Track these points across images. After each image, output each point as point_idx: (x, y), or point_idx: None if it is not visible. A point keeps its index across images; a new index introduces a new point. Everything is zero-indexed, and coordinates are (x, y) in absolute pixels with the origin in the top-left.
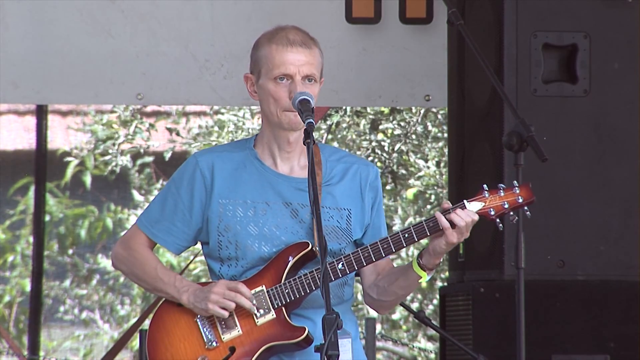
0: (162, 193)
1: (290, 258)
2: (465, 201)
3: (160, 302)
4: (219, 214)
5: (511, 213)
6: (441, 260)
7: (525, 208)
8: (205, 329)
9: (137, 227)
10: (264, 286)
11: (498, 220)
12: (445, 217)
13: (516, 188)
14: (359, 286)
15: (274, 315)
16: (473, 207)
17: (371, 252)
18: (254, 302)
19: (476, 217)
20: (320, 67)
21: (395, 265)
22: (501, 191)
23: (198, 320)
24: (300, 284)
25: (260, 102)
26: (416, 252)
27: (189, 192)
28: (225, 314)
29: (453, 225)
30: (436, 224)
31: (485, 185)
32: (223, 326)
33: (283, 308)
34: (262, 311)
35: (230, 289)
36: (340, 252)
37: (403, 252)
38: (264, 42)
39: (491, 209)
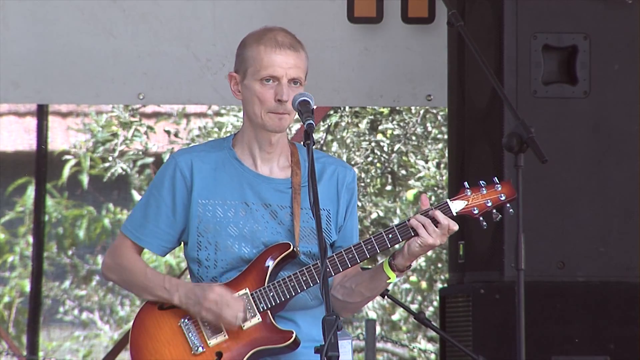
0: (144, 197)
1: (272, 259)
2: (448, 200)
3: (142, 306)
4: (198, 214)
5: (494, 211)
6: (412, 264)
7: (508, 205)
8: (190, 333)
9: (122, 233)
10: (247, 289)
11: (482, 218)
12: (418, 221)
13: (498, 185)
14: None
15: (260, 319)
16: (456, 206)
17: (355, 254)
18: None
19: (455, 227)
20: (306, 71)
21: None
22: (483, 189)
23: (182, 324)
24: (285, 287)
25: (244, 102)
26: None
27: (170, 193)
28: (220, 323)
29: (436, 222)
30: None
31: (466, 183)
32: (208, 331)
33: (268, 311)
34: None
35: (223, 297)
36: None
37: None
38: (251, 42)
39: (474, 208)
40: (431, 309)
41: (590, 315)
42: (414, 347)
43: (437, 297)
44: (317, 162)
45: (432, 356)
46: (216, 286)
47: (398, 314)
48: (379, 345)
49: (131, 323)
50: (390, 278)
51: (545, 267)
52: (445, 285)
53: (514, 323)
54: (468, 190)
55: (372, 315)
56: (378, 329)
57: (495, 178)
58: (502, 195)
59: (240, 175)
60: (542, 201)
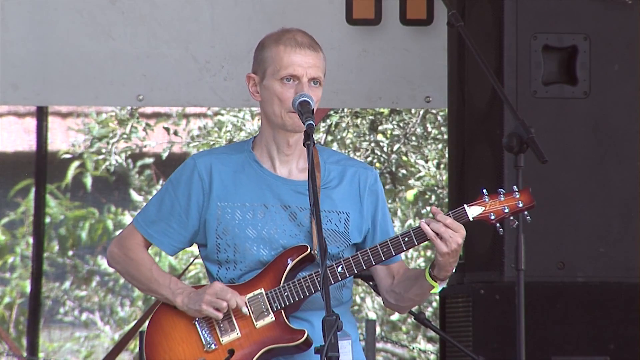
0: (159, 193)
1: (289, 261)
2: (465, 205)
3: (158, 305)
4: (218, 216)
5: (511, 217)
6: (452, 272)
7: (526, 213)
8: (203, 331)
9: (134, 226)
10: (262, 289)
11: (498, 224)
12: (430, 227)
13: (516, 193)
14: (359, 288)
15: (273, 318)
16: (473, 211)
17: (371, 256)
18: (247, 304)
19: (455, 225)
20: (325, 71)
21: (410, 267)
22: (501, 196)
23: (196, 323)
24: (299, 287)
25: (263, 103)
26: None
27: (186, 194)
28: (219, 315)
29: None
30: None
31: (484, 190)
32: (222, 329)
33: (282, 311)
34: (259, 313)
35: (223, 290)
36: (338, 256)
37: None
38: (270, 43)
39: (491, 214)
40: (430, 309)
41: (590, 316)
42: (413, 348)
43: (437, 298)
44: (338, 165)
45: (432, 356)
46: (217, 282)
47: (398, 315)
48: (379, 345)
49: (131, 324)
50: (433, 288)
51: (545, 267)
52: (445, 285)
53: (514, 323)
54: (486, 196)
55: (372, 315)
56: (378, 329)
57: (515, 186)
58: (520, 202)
59: (259, 178)
60: (542, 201)
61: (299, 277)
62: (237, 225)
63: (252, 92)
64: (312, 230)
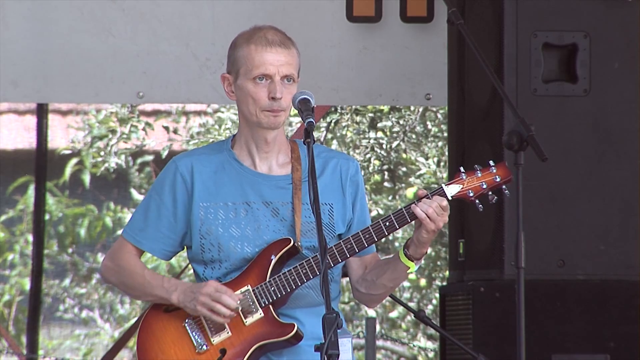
0: (144, 201)
1: (273, 256)
2: (443, 185)
3: (147, 310)
4: (200, 217)
5: (490, 193)
6: (427, 250)
7: (504, 187)
8: (194, 332)
9: (123, 238)
10: (249, 285)
11: (478, 201)
12: (418, 208)
13: (493, 167)
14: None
15: (262, 314)
16: (451, 190)
17: (354, 243)
18: (239, 304)
19: (444, 203)
20: (298, 67)
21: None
22: (478, 172)
23: (186, 324)
24: (285, 281)
25: (238, 102)
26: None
27: (171, 197)
28: (217, 318)
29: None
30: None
31: (461, 168)
32: (212, 329)
33: (270, 306)
34: (247, 310)
35: (217, 290)
36: None
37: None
38: (241, 42)
39: (470, 191)
40: (430, 307)
41: (590, 314)
42: (413, 345)
43: (436, 295)
44: (319, 157)
45: (432, 354)
46: (212, 281)
47: (397, 312)
48: (379, 343)
49: (131, 321)
50: (409, 268)
51: (545, 265)
52: (445, 283)
53: (514, 321)
54: (463, 174)
55: (372, 313)
56: (378, 327)
57: (491, 161)
58: (497, 177)
59: (240, 176)
60: (542, 199)
61: (284, 271)
62: (221, 225)
63: (228, 91)
64: (295, 224)
